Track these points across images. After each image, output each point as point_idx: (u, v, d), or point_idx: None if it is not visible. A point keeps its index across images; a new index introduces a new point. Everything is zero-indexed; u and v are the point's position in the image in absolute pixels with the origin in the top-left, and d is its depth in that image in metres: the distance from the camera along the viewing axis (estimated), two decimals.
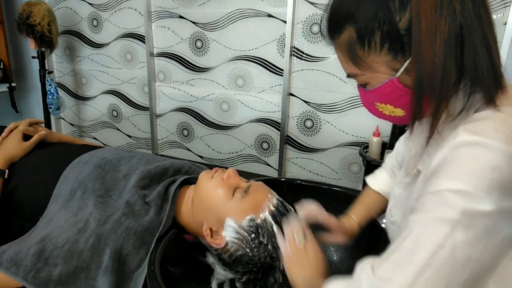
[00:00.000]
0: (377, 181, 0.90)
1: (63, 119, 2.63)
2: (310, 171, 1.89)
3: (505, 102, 0.52)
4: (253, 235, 0.76)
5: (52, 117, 2.40)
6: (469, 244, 0.45)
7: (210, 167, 0.91)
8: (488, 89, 0.52)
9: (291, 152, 1.91)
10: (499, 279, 0.51)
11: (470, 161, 0.47)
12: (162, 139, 2.27)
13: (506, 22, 1.35)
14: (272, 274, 0.79)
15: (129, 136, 2.39)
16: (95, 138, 2.53)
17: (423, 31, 0.49)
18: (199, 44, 1.97)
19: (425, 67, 0.50)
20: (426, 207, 0.49)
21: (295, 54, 1.75)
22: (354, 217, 0.86)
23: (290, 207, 0.82)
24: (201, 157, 2.18)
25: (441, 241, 0.45)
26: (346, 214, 0.87)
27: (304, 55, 1.73)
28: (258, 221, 0.77)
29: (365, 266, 0.51)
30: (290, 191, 0.98)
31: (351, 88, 1.65)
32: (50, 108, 2.24)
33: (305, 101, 1.79)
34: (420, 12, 0.49)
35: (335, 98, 1.70)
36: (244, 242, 0.76)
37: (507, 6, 1.35)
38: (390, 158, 0.90)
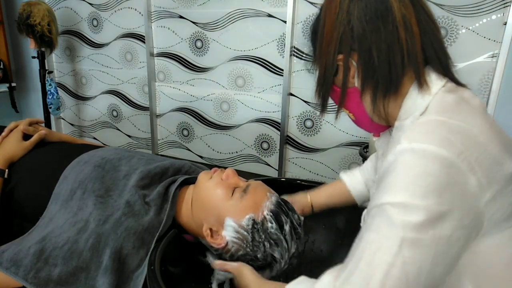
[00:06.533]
0: (351, 177, 0.94)
1: (63, 119, 2.63)
2: (310, 171, 1.89)
3: (448, 107, 0.55)
4: (253, 234, 0.76)
5: (52, 117, 2.40)
6: (417, 257, 0.48)
7: (210, 167, 0.91)
8: (391, 84, 0.58)
9: (291, 152, 1.91)
10: (476, 281, 0.53)
11: (406, 170, 0.50)
12: (162, 139, 2.27)
13: (506, 22, 1.35)
14: (273, 273, 0.79)
15: (129, 136, 2.39)
16: (95, 138, 2.53)
17: (325, 36, 0.61)
18: (199, 44, 1.97)
19: (323, 63, 0.62)
20: (373, 225, 0.51)
21: (295, 54, 1.75)
22: (310, 198, 0.90)
23: (291, 204, 0.82)
24: (201, 157, 2.18)
25: (391, 260, 0.48)
26: (304, 192, 0.89)
27: (304, 55, 1.73)
28: (258, 219, 0.76)
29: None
30: (290, 191, 0.98)
31: None
32: (50, 108, 2.24)
33: (305, 101, 1.79)
34: (325, 18, 0.60)
35: None
36: (244, 241, 0.76)
37: (507, 6, 1.35)
38: (371, 159, 0.92)
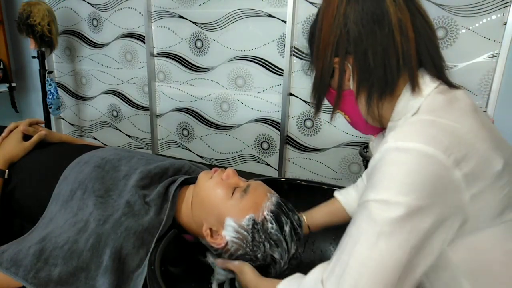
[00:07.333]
0: (345, 195, 0.93)
1: (63, 119, 2.63)
2: (310, 171, 1.89)
3: (439, 106, 0.56)
4: (253, 234, 0.76)
5: (52, 117, 2.40)
6: (394, 250, 0.49)
7: (210, 167, 0.91)
8: (385, 88, 0.60)
9: (291, 152, 1.91)
10: (473, 277, 0.53)
11: (390, 168, 0.51)
12: (162, 139, 2.27)
13: (506, 22, 1.35)
14: (272, 274, 0.79)
15: (129, 136, 2.39)
16: (95, 138, 2.53)
17: (322, 39, 0.61)
18: (199, 44, 1.97)
19: (320, 66, 0.64)
20: (357, 220, 0.54)
21: (295, 54, 1.75)
22: (307, 219, 0.90)
23: (291, 205, 0.82)
24: (201, 157, 2.18)
25: (369, 253, 0.50)
26: (300, 213, 0.89)
27: (303, 55, 1.73)
28: (258, 220, 0.77)
29: (317, 283, 0.55)
30: (290, 191, 0.98)
31: None
32: (50, 108, 2.24)
33: (305, 101, 1.79)
34: (322, 21, 0.61)
35: None
36: (244, 241, 0.76)
37: (507, 6, 1.35)
38: (363, 179, 0.92)
